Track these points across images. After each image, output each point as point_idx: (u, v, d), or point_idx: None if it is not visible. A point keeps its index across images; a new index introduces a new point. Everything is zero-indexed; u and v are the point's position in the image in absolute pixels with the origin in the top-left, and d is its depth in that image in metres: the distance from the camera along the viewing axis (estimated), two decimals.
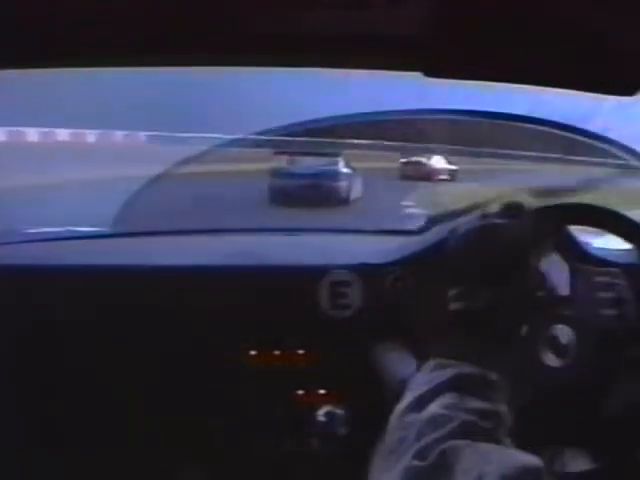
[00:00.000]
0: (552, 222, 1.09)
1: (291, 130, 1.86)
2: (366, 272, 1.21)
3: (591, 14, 0.43)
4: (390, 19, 0.72)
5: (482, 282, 0.71)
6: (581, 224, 1.13)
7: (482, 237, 0.75)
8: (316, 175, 6.22)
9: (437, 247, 1.21)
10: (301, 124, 1.67)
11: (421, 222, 1.40)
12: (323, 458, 1.19)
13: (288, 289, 1.20)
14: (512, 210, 0.78)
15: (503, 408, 0.61)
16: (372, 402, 1.12)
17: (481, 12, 0.68)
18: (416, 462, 0.54)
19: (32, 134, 7.54)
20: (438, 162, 8.16)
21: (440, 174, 8.17)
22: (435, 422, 0.56)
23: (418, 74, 0.79)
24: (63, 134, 7.98)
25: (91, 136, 8.27)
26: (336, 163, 6.53)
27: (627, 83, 0.76)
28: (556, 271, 1.09)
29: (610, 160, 1.72)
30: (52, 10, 0.67)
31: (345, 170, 6.59)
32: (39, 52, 0.75)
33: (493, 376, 0.62)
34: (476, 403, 0.58)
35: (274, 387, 1.23)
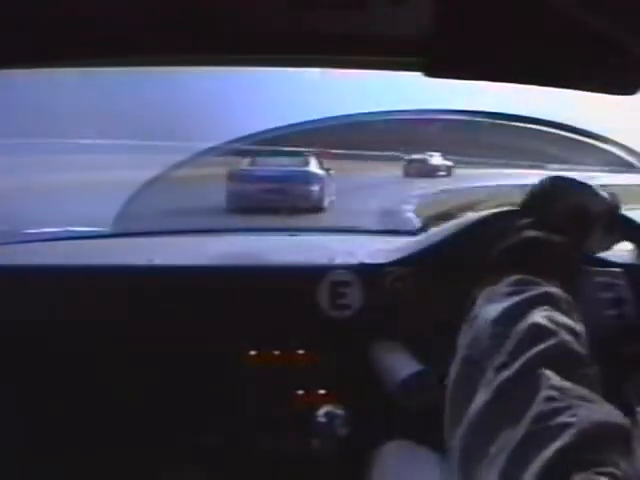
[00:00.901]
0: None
1: (274, 134, 1.83)
2: (366, 272, 1.21)
3: (591, 14, 0.43)
4: (390, 19, 0.72)
5: (554, 223, 0.71)
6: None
7: (555, 187, 0.76)
8: (282, 178, 5.29)
9: (437, 247, 1.21)
10: (283, 128, 1.66)
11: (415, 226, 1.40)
12: (323, 458, 1.19)
13: (288, 289, 1.20)
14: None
15: (582, 327, 0.58)
16: (372, 402, 1.12)
17: (481, 12, 0.68)
18: (518, 373, 0.49)
19: None
20: (437, 159, 8.32)
21: (439, 170, 8.35)
22: (539, 333, 0.52)
23: (418, 74, 0.79)
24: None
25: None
26: (306, 164, 5.65)
27: (627, 83, 0.76)
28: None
29: (610, 160, 1.72)
30: (52, 10, 0.67)
31: (317, 171, 5.71)
32: (39, 52, 0.75)
33: (571, 299, 0.60)
34: (570, 322, 0.56)
35: (274, 387, 1.23)
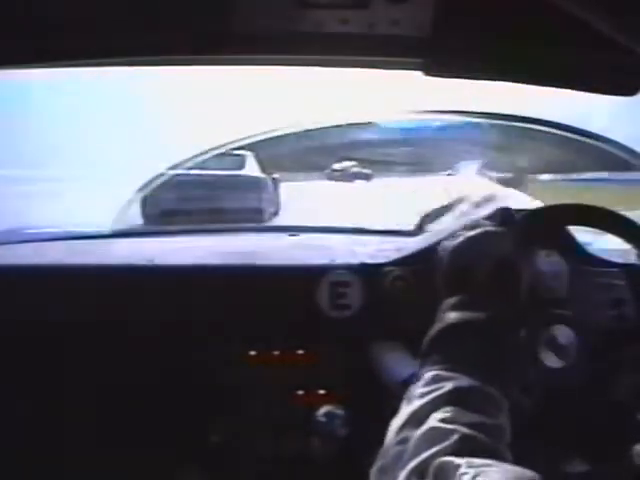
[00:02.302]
0: (551, 223, 1.09)
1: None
2: (366, 272, 1.21)
3: (591, 14, 0.43)
4: (390, 19, 0.72)
5: (478, 291, 0.70)
6: (580, 225, 1.13)
7: (474, 247, 0.75)
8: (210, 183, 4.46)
9: (437, 247, 1.21)
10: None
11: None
12: (323, 458, 1.19)
13: (288, 289, 1.20)
14: (503, 217, 0.77)
15: (503, 420, 0.59)
16: (372, 402, 1.12)
17: (481, 12, 0.68)
18: (414, 479, 0.52)
19: None
20: (356, 168, 8.62)
21: (359, 178, 8.65)
22: (433, 437, 0.55)
23: (418, 74, 0.79)
24: None
25: None
26: (241, 166, 4.64)
27: (627, 83, 0.76)
28: (556, 271, 1.08)
29: (610, 160, 1.72)
30: (52, 9, 0.67)
31: (257, 175, 4.73)
32: (39, 51, 0.75)
33: (492, 389, 0.61)
34: (475, 417, 0.57)
35: (274, 387, 1.23)
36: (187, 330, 1.21)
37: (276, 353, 1.24)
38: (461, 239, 0.77)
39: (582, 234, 1.18)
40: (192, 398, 1.21)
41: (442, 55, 0.75)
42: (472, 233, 0.76)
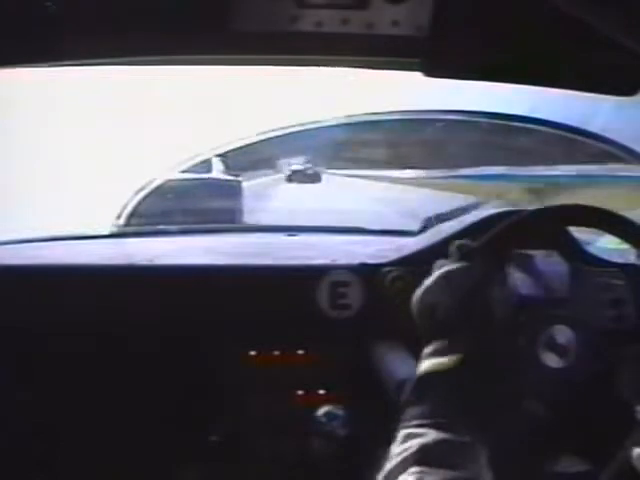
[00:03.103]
0: (549, 224, 1.09)
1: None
2: (366, 272, 1.21)
3: (591, 14, 0.43)
4: (390, 19, 0.72)
5: (445, 335, 0.69)
6: (580, 225, 1.13)
7: (435, 291, 0.74)
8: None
9: (437, 247, 1.21)
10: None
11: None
12: (323, 458, 1.19)
13: (288, 289, 1.20)
14: (461, 252, 0.77)
15: (476, 471, 0.58)
16: (372, 402, 1.12)
17: (481, 12, 0.68)
18: None
19: None
20: (312, 170, 8.70)
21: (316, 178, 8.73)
22: None
23: (418, 74, 0.79)
24: None
25: None
26: (207, 168, 4.49)
27: (627, 83, 0.76)
28: (556, 271, 1.08)
29: (610, 160, 1.72)
30: (52, 9, 0.67)
31: (223, 177, 4.67)
32: (40, 51, 0.75)
33: (465, 437, 0.60)
34: (443, 473, 0.56)
35: (274, 387, 1.23)
36: (187, 330, 1.21)
37: (276, 353, 1.24)
38: (423, 286, 0.76)
39: (582, 234, 1.18)
40: (192, 398, 1.21)
41: (442, 55, 0.75)
42: (430, 279, 0.76)
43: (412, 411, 0.64)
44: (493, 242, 0.90)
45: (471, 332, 0.69)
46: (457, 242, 0.82)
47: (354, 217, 1.67)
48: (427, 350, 0.69)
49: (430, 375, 0.66)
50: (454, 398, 0.64)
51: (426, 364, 0.68)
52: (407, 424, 0.63)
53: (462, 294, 0.72)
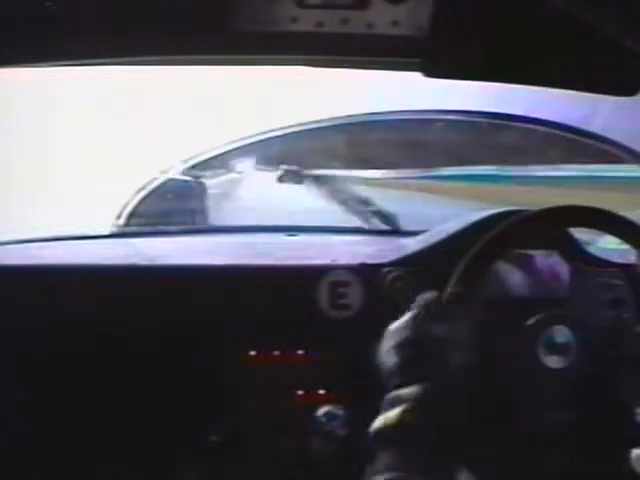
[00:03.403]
0: (549, 225, 1.09)
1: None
2: (366, 272, 1.21)
3: (592, 14, 0.43)
4: (390, 19, 0.72)
5: (404, 385, 0.70)
6: (580, 226, 1.13)
7: (397, 339, 0.78)
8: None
9: (437, 247, 1.21)
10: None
11: None
12: (323, 458, 1.19)
13: (288, 289, 1.20)
14: (426, 302, 0.78)
15: None
16: (372, 402, 1.12)
17: (481, 12, 0.68)
18: None
19: None
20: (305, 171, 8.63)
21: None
22: None
23: (418, 74, 0.79)
24: None
25: None
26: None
27: (627, 83, 0.76)
28: (556, 271, 1.09)
29: (610, 160, 1.72)
30: (52, 9, 0.67)
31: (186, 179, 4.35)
32: (40, 51, 0.75)
33: None
34: None
35: (274, 387, 1.23)
36: (187, 330, 1.21)
37: (276, 353, 1.24)
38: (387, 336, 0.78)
39: (582, 234, 1.18)
40: (192, 398, 1.21)
41: (442, 56, 0.75)
42: (391, 327, 0.78)
43: (373, 465, 0.65)
44: (493, 242, 0.90)
45: (424, 378, 0.69)
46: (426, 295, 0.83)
47: (323, 217, 1.68)
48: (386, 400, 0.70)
49: (383, 430, 0.68)
50: (407, 452, 0.64)
51: (379, 420, 0.69)
52: (381, 472, 0.64)
53: (415, 341, 0.72)
